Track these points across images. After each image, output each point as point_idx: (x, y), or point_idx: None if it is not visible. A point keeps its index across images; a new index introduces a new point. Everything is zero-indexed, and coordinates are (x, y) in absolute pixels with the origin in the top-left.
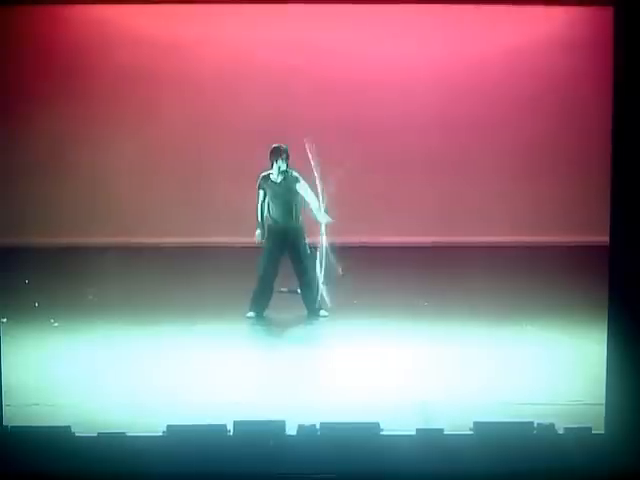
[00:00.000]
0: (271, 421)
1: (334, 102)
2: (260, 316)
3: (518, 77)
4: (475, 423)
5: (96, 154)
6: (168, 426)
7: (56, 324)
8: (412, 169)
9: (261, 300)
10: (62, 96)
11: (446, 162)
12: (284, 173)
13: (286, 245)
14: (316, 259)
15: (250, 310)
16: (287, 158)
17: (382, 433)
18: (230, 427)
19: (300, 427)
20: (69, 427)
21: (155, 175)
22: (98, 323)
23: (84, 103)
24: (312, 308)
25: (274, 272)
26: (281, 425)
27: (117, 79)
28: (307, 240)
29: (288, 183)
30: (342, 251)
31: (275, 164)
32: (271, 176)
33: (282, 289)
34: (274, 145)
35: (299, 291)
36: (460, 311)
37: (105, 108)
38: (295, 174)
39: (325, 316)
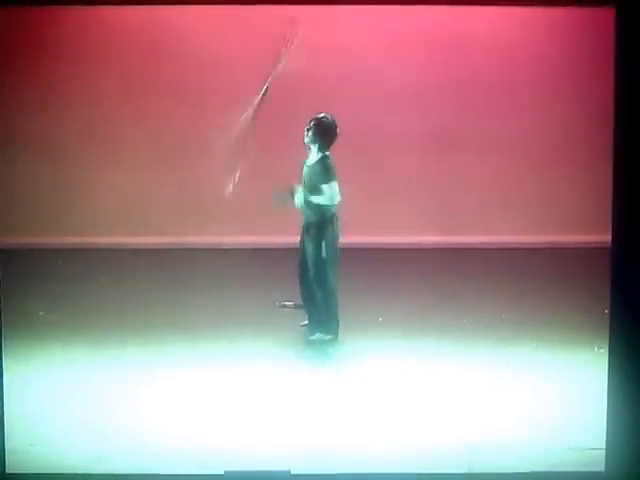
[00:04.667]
0: (272, 471)
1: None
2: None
3: (518, 77)
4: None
5: (55, 136)
6: (139, 476)
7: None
8: (408, 172)
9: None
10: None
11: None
12: (321, 158)
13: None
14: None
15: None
16: (323, 134)
17: None
18: (221, 478)
19: (309, 478)
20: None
21: (135, 163)
22: (52, 347)
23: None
24: (327, 326)
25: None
26: (285, 476)
27: (101, 71)
28: (339, 240)
29: (318, 169)
30: (355, 254)
31: (306, 139)
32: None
33: (285, 303)
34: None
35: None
36: (506, 330)
37: (90, 100)
38: (329, 163)
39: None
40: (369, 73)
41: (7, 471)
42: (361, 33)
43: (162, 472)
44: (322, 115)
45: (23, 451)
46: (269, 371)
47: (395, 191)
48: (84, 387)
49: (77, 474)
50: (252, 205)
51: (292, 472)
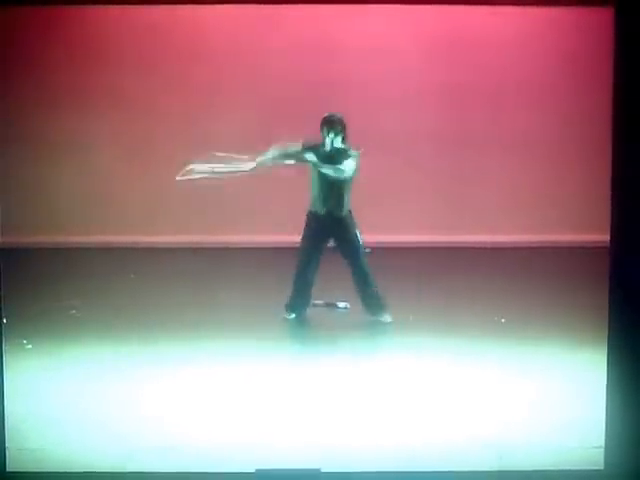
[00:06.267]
0: (303, 469)
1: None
2: (300, 316)
3: (518, 77)
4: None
5: (80, 139)
6: (168, 474)
7: (29, 346)
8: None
9: (300, 297)
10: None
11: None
12: (338, 150)
13: (331, 236)
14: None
15: (289, 311)
16: (343, 131)
17: None
18: (252, 476)
19: (339, 476)
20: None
21: (152, 162)
22: (83, 344)
23: (79, 94)
24: (375, 310)
25: (315, 262)
26: (316, 474)
27: (113, 70)
28: (358, 231)
29: (341, 162)
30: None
31: (327, 137)
32: (321, 149)
33: (316, 302)
34: (326, 114)
35: (342, 305)
36: (504, 329)
37: (101, 98)
38: (352, 152)
39: (389, 322)
40: (375, 74)
41: (7, 470)
42: (371, 34)
43: (193, 470)
44: (330, 114)
45: (24, 450)
46: (301, 369)
47: (395, 191)
48: (101, 385)
49: (86, 472)
50: (272, 205)
51: (322, 470)
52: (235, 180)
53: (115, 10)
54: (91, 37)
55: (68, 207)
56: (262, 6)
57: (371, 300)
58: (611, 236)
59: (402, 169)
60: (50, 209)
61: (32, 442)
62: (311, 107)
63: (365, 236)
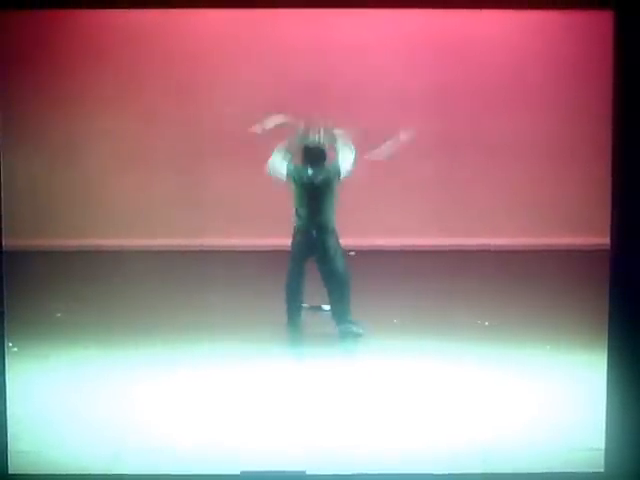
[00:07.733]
0: (288, 472)
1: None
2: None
3: (516, 81)
4: None
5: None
6: (155, 476)
7: (15, 349)
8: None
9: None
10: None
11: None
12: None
13: (311, 246)
14: (345, 262)
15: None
16: (323, 160)
17: None
18: (237, 478)
19: (324, 478)
20: None
21: (147, 165)
22: (57, 348)
23: (77, 98)
24: (343, 323)
25: (299, 279)
26: (301, 476)
27: (108, 73)
28: (338, 240)
29: (324, 175)
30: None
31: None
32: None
33: (303, 305)
34: (306, 144)
35: (325, 307)
36: (504, 332)
37: (97, 103)
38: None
39: (360, 334)
40: (375, 76)
41: (10, 472)
42: (370, 36)
43: (179, 472)
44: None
45: (26, 452)
46: (285, 372)
47: (395, 193)
48: (91, 388)
49: (85, 474)
50: (265, 207)
51: (307, 472)
52: (229, 182)
53: (113, 14)
54: (87, 41)
55: (62, 209)
56: (255, 10)
57: (345, 313)
58: (611, 239)
59: (399, 170)
60: (44, 211)
61: (33, 445)
62: (307, 108)
63: (359, 240)
